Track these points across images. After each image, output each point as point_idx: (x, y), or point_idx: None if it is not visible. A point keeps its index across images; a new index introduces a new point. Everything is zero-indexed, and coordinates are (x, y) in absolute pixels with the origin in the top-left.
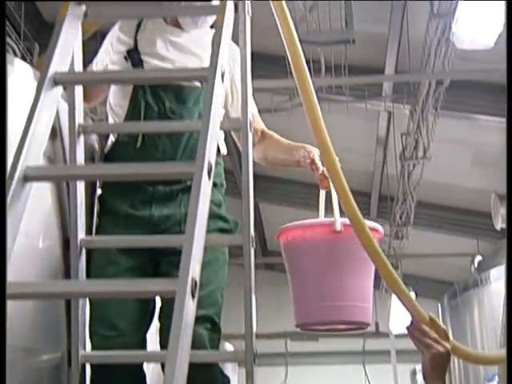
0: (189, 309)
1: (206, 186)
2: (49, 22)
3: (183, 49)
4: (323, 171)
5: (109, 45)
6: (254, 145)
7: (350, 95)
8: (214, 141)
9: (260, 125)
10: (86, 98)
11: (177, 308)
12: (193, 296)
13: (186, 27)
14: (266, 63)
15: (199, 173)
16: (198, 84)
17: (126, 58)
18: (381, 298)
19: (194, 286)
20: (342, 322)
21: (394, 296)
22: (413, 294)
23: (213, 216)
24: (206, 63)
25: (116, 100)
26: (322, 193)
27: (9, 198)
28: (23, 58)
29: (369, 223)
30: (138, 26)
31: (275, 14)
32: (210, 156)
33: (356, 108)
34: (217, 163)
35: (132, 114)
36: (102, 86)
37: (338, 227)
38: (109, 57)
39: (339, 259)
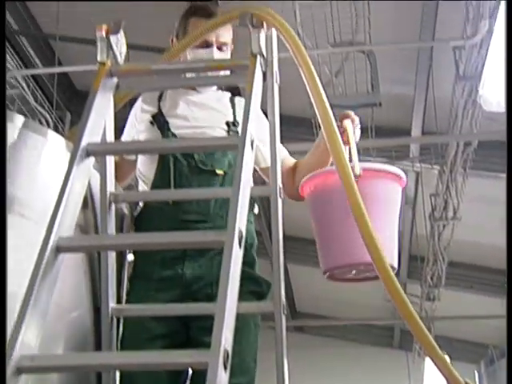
0: (221, 380)
1: (237, 254)
2: (80, 91)
3: (204, 106)
4: (345, 129)
5: (133, 118)
6: (289, 182)
7: (377, 156)
8: (245, 209)
9: (291, 161)
10: (118, 177)
11: (209, 380)
12: (225, 367)
13: (201, 90)
14: (291, 125)
15: (230, 241)
16: (224, 135)
17: (151, 122)
18: (414, 363)
19: (227, 356)
20: (367, 264)
21: (427, 360)
22: (447, 358)
23: (245, 278)
24: (229, 118)
25: (145, 165)
26: (345, 149)
27: (42, 269)
28: (55, 127)
29: (389, 167)
30: (160, 96)
31: (304, 78)
32: (241, 224)
33: None
34: (248, 221)
35: (162, 171)
36: (132, 161)
37: (358, 171)
38: (135, 129)
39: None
